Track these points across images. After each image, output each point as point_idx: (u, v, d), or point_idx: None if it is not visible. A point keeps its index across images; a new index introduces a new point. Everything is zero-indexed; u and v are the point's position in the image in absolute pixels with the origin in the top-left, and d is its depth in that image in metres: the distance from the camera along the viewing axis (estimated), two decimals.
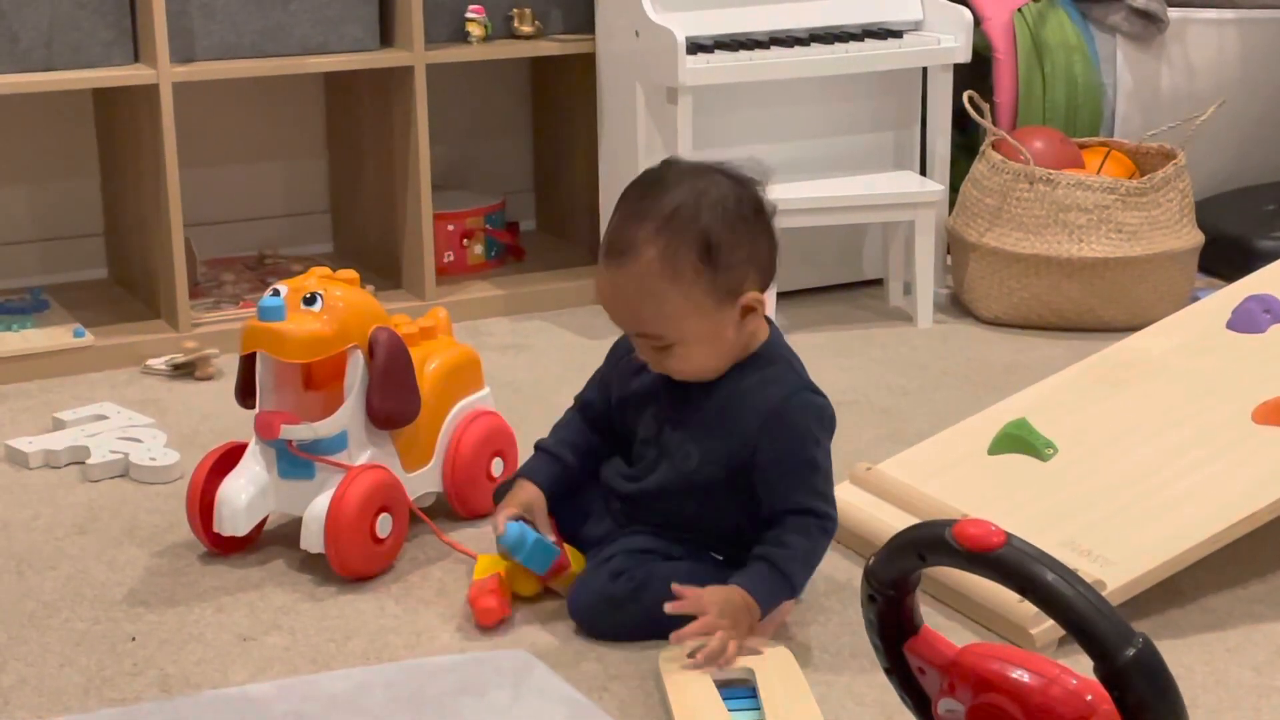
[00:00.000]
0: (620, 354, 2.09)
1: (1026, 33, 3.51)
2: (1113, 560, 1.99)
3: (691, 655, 1.85)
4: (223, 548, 2.20)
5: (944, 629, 1.83)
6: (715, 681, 1.82)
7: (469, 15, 3.24)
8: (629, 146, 3.16)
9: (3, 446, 2.58)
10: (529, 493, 2.06)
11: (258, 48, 3.09)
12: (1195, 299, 3.06)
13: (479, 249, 3.47)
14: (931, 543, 1.42)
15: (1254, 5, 3.74)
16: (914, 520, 1.95)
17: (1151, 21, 3.61)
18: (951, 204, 3.37)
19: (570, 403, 2.16)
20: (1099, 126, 3.60)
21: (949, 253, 3.37)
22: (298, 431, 2.12)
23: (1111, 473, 2.18)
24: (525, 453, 2.18)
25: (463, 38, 3.26)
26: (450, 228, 3.42)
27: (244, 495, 2.13)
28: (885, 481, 2.27)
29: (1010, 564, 1.37)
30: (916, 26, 3.33)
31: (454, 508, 2.31)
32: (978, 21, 3.42)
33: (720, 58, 3.10)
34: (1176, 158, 3.23)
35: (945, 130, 3.33)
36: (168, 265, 3.04)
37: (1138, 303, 3.13)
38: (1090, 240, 3.12)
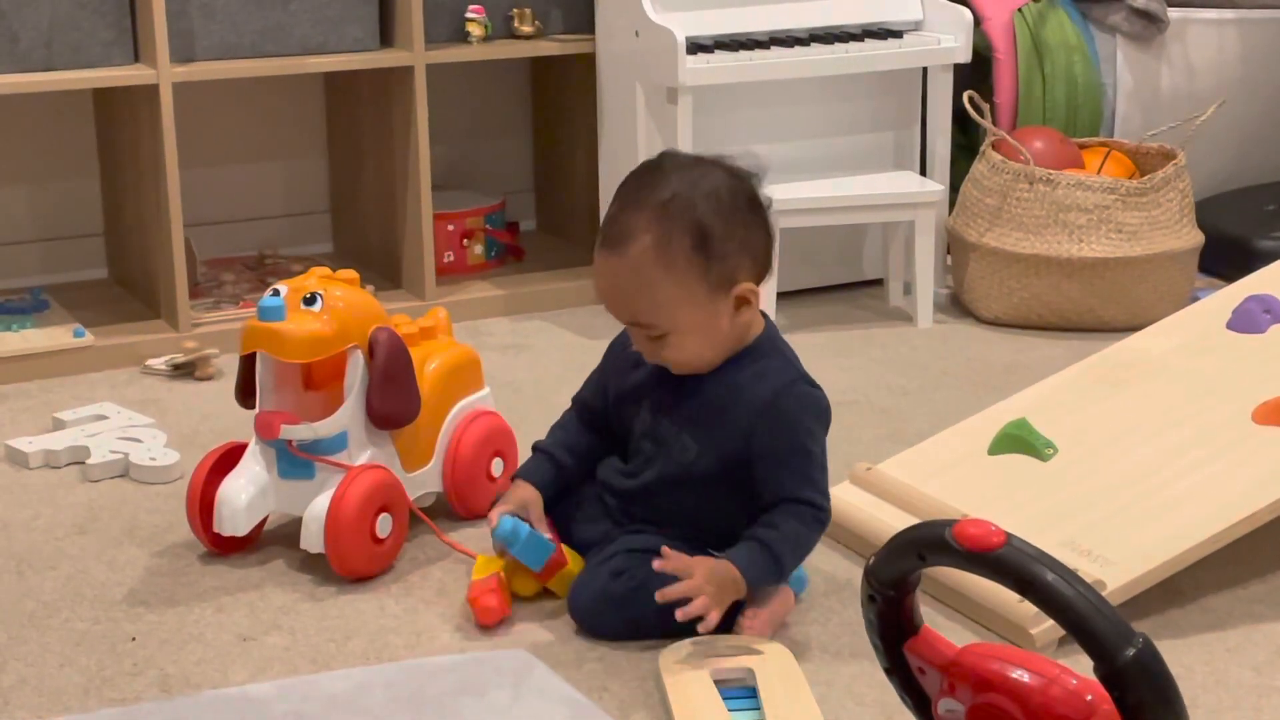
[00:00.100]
0: (617, 350, 2.10)
1: (1026, 33, 3.51)
2: (1113, 560, 1.99)
3: (679, 628, 1.87)
4: (223, 548, 2.20)
5: (944, 629, 1.83)
6: (715, 681, 1.82)
7: (469, 15, 3.24)
8: (629, 146, 3.16)
9: (3, 446, 2.58)
10: (525, 492, 2.07)
11: (258, 48, 3.09)
12: (1195, 299, 3.06)
13: (479, 249, 3.47)
14: (931, 543, 1.42)
15: (1254, 5, 3.74)
16: (914, 520, 1.95)
17: (1151, 21, 3.61)
18: (951, 204, 3.37)
19: (569, 403, 2.17)
20: (1099, 126, 3.60)
21: (949, 253, 3.37)
22: (298, 431, 2.12)
23: (1111, 473, 2.18)
24: (525, 453, 2.18)
25: (463, 38, 3.26)
26: (450, 228, 3.42)
27: (244, 495, 2.13)
28: (885, 481, 2.27)
29: (1010, 564, 1.37)
30: (916, 26, 3.33)
31: (454, 508, 2.31)
32: (978, 21, 3.42)
33: (720, 58, 3.10)
34: (1176, 158, 3.23)
35: (945, 130, 3.33)
36: (168, 265, 3.04)
37: (1138, 303, 3.13)
38: (1090, 240, 3.12)
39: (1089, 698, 1.38)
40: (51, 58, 2.97)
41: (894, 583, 1.48)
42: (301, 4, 3.11)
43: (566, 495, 2.10)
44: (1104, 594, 1.69)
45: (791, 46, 3.18)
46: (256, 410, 2.15)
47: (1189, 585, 2.07)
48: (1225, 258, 3.35)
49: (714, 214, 1.91)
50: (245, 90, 3.38)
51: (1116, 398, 2.36)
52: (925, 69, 3.33)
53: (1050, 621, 1.74)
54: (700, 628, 1.88)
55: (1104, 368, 2.45)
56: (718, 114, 3.18)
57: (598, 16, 3.29)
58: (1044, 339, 3.14)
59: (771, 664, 1.85)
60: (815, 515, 1.96)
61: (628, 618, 1.95)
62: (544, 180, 3.74)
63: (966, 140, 3.51)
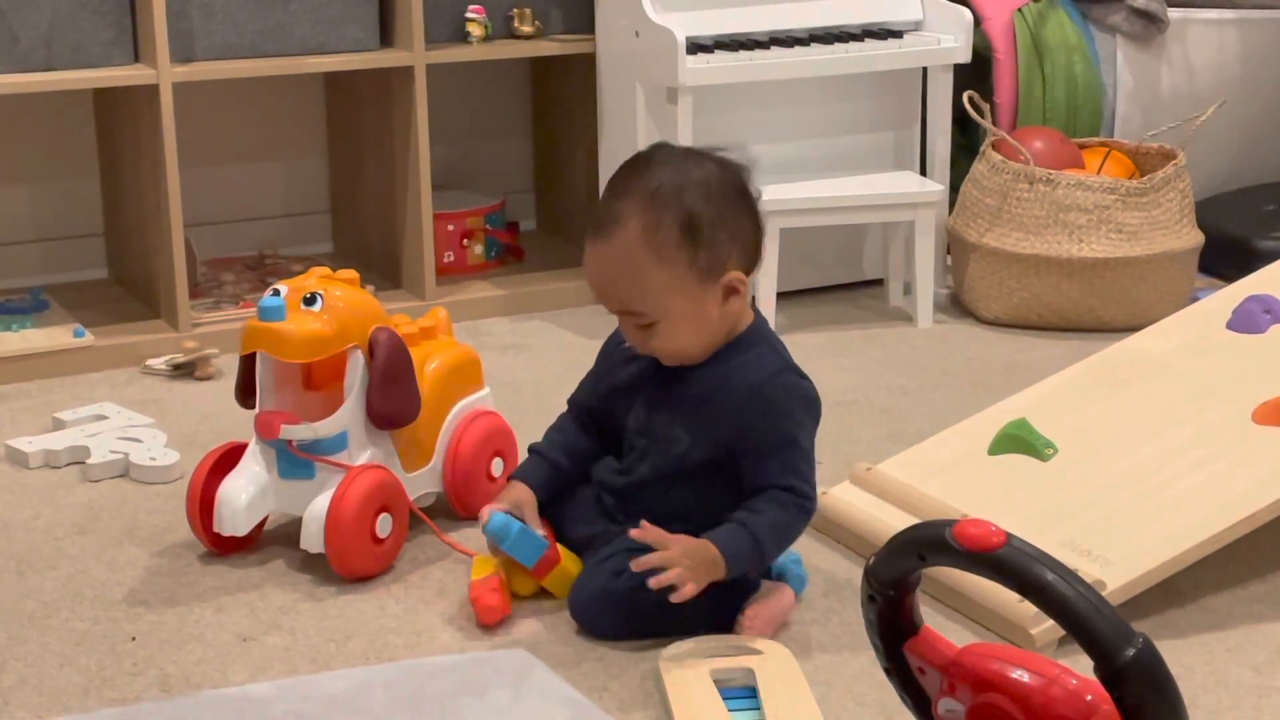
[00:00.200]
0: (610, 349, 2.10)
1: (1026, 33, 3.51)
2: (1113, 560, 1.99)
3: (658, 592, 1.89)
4: (223, 548, 2.20)
5: (944, 629, 1.83)
6: (715, 681, 1.82)
7: (469, 15, 3.24)
8: (629, 146, 3.15)
9: (3, 446, 2.58)
10: (519, 491, 2.07)
11: (258, 48, 3.09)
12: (1195, 299, 3.06)
13: (479, 249, 3.47)
14: (931, 543, 1.42)
15: (1254, 5, 3.74)
16: (914, 520, 1.95)
17: (1152, 21, 3.61)
18: (951, 204, 3.37)
19: (566, 405, 2.17)
20: (1099, 126, 3.60)
21: (949, 253, 3.37)
22: (298, 431, 2.12)
23: (1111, 473, 2.18)
24: (525, 453, 2.17)
25: (463, 38, 3.26)
26: (450, 228, 3.42)
27: (244, 495, 2.13)
28: (885, 481, 2.27)
29: (1010, 564, 1.37)
30: (916, 26, 3.33)
31: (454, 508, 2.31)
32: (978, 21, 3.42)
33: (720, 58, 3.10)
34: (1176, 158, 3.23)
35: (945, 130, 3.33)
36: (168, 265, 3.04)
37: (1138, 303, 3.13)
38: (1090, 240, 3.12)
39: (1089, 698, 1.38)
40: (51, 58, 2.97)
41: (894, 583, 1.48)
42: (301, 4, 3.11)
43: (563, 496, 2.10)
44: (1104, 594, 1.69)
45: (791, 46, 3.18)
46: (256, 410, 2.15)
47: (1189, 585, 2.07)
48: (1225, 258, 3.35)
49: (703, 202, 1.92)
50: (245, 90, 3.38)
51: (1116, 398, 2.36)
52: (925, 69, 3.33)
53: (1050, 621, 1.74)
54: (673, 597, 1.89)
55: (1104, 368, 2.45)
56: (718, 114, 3.18)
57: (598, 16, 3.29)
58: (1044, 339, 3.14)
59: (771, 664, 1.85)
60: (799, 503, 1.96)
61: (628, 617, 1.95)
62: (544, 180, 3.74)
63: (966, 140, 3.51)
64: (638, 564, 1.90)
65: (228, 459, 2.19)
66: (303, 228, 3.59)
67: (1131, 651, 1.31)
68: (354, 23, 3.16)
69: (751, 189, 1.98)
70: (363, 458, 2.15)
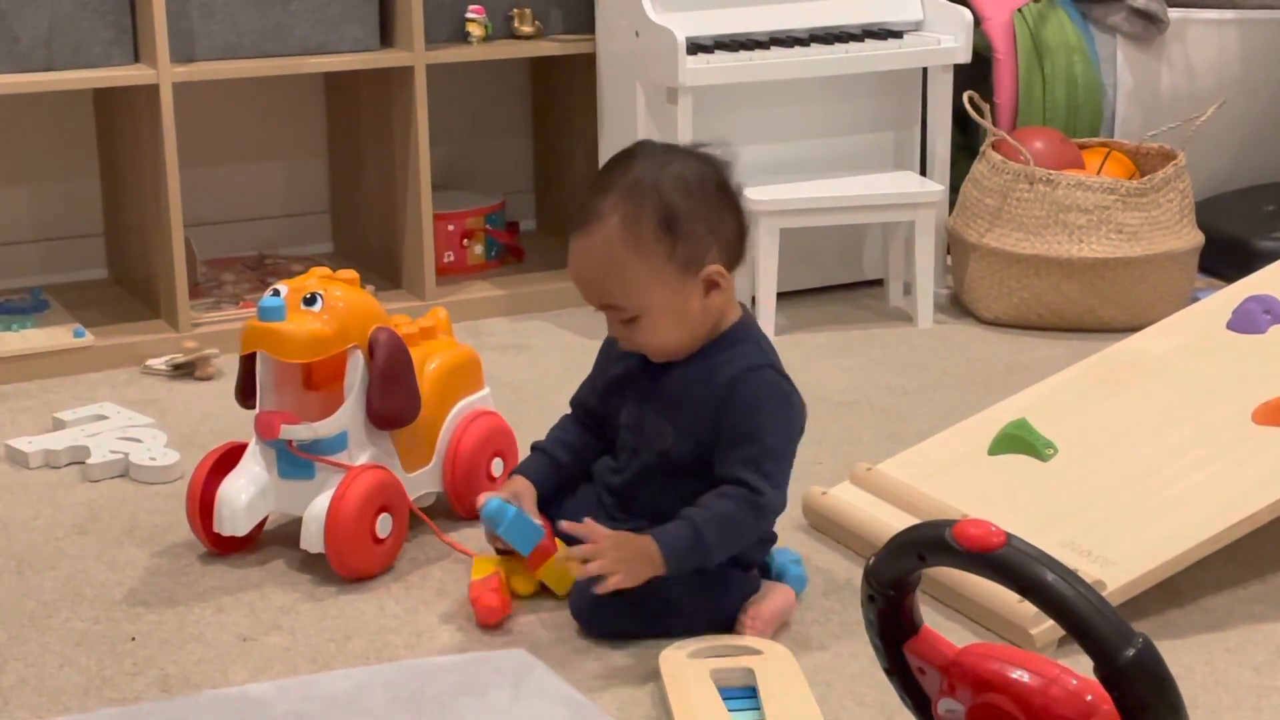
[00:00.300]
0: (607, 346, 2.11)
1: (1026, 33, 3.51)
2: (1113, 560, 1.99)
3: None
4: (223, 548, 2.20)
5: (944, 629, 1.83)
6: (715, 681, 1.82)
7: (469, 15, 3.24)
8: None
9: (3, 446, 2.58)
10: (518, 483, 2.08)
11: (258, 48, 3.09)
12: (1195, 299, 3.06)
13: (479, 249, 3.47)
14: (931, 543, 1.42)
15: (1254, 5, 3.74)
16: (914, 520, 1.95)
17: (1152, 22, 3.61)
18: (951, 204, 3.37)
19: (569, 405, 2.17)
20: (1099, 127, 3.60)
21: (949, 253, 3.37)
22: (298, 431, 2.12)
23: (1111, 473, 2.18)
24: (525, 453, 2.17)
25: (463, 38, 3.26)
26: (450, 228, 3.42)
27: (244, 495, 2.13)
28: (885, 481, 2.27)
29: (1010, 564, 1.37)
30: (916, 27, 3.33)
31: (454, 508, 2.31)
32: (978, 22, 3.42)
33: (720, 58, 3.10)
34: (1176, 158, 3.23)
35: (945, 130, 3.33)
36: (168, 265, 3.04)
37: (1138, 303, 3.13)
38: (1090, 241, 3.12)
39: (1089, 698, 1.38)
40: (51, 58, 2.97)
41: (894, 583, 1.48)
42: (301, 4, 3.11)
43: (563, 493, 2.10)
44: (1104, 594, 1.69)
45: (791, 46, 3.18)
46: (256, 410, 2.15)
47: (1188, 585, 2.07)
48: (1225, 258, 3.35)
49: (681, 195, 1.93)
50: (245, 90, 3.38)
51: (1116, 398, 2.36)
52: (925, 69, 3.33)
53: (1050, 621, 1.74)
54: (598, 589, 1.90)
55: (1104, 368, 2.45)
56: (718, 114, 3.18)
57: (598, 16, 3.29)
58: (1044, 339, 3.14)
59: (771, 664, 1.85)
60: (750, 499, 1.94)
61: (628, 617, 1.95)
62: (544, 180, 3.74)
63: (966, 140, 3.51)
64: (564, 555, 1.94)
65: (228, 459, 2.19)
66: (303, 228, 3.59)
67: (1131, 652, 1.31)
68: (354, 23, 3.16)
69: (733, 184, 1.99)
70: (363, 458, 2.15)
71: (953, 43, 3.27)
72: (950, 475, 2.26)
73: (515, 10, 3.31)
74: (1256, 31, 3.73)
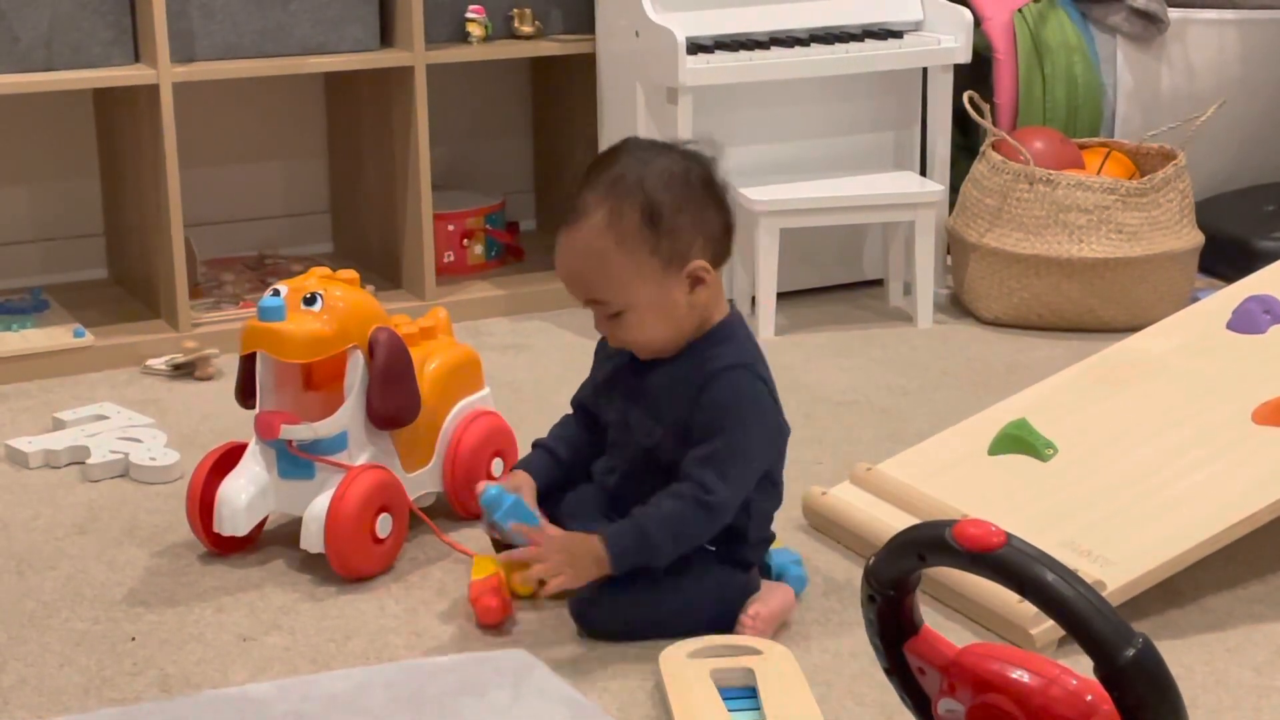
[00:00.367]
0: (601, 345, 2.11)
1: (1026, 33, 3.51)
2: (1113, 560, 1.99)
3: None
4: (223, 548, 2.20)
5: (944, 629, 1.83)
6: (715, 681, 1.82)
7: (469, 15, 3.24)
8: None
9: (3, 446, 2.58)
10: (518, 477, 2.09)
11: (258, 48, 3.09)
12: (1195, 299, 3.06)
13: (479, 249, 3.47)
14: (931, 543, 1.42)
15: (1254, 5, 3.74)
16: (914, 520, 1.95)
17: (1152, 22, 3.61)
18: (952, 204, 3.37)
19: (570, 405, 2.17)
20: (1099, 127, 3.60)
21: (949, 253, 3.37)
22: (298, 431, 2.12)
23: (1111, 473, 2.18)
24: (525, 453, 2.18)
25: (463, 38, 3.26)
26: (450, 228, 3.42)
27: (244, 495, 2.13)
28: (885, 481, 2.27)
29: (1010, 564, 1.37)
30: (916, 27, 3.33)
31: (454, 508, 2.31)
32: (978, 22, 3.42)
33: (720, 58, 3.10)
34: (1176, 158, 3.23)
35: (945, 130, 3.33)
36: (168, 265, 3.04)
37: (1138, 303, 3.13)
38: (1090, 241, 3.12)
39: (1089, 698, 1.38)
40: (51, 58, 2.97)
41: (894, 583, 1.48)
42: (301, 4, 3.11)
43: (564, 489, 2.11)
44: (1104, 594, 1.69)
45: (791, 46, 3.18)
46: (256, 410, 2.15)
47: (1188, 586, 2.07)
48: (1225, 258, 3.35)
49: (664, 190, 1.93)
50: (245, 90, 3.38)
51: (1116, 398, 2.36)
52: (925, 69, 3.33)
53: (1050, 621, 1.74)
54: (541, 592, 1.93)
55: (1104, 368, 2.45)
56: (718, 114, 3.18)
57: (598, 16, 3.29)
58: (1044, 339, 3.14)
59: (771, 664, 1.85)
60: (698, 498, 1.94)
61: (629, 618, 1.95)
62: (544, 180, 3.74)
63: (966, 140, 3.51)
64: (505, 556, 1.96)
65: (228, 459, 2.19)
66: (303, 228, 3.59)
67: (1131, 652, 1.31)
68: (354, 23, 3.16)
69: (719, 181, 1.99)
70: (363, 458, 2.15)
71: (953, 43, 3.27)
72: (950, 475, 2.26)
73: (515, 10, 3.31)
74: (1256, 31, 3.73)
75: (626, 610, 1.95)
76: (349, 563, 2.11)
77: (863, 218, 3.27)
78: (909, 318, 3.25)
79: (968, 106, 3.26)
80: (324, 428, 2.13)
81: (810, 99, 3.30)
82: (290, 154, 3.56)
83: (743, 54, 3.12)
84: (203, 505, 2.17)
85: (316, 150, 3.57)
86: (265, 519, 2.20)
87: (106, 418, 2.67)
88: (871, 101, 3.37)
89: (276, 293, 2.13)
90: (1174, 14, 3.63)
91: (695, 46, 3.09)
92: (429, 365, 2.27)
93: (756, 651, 1.88)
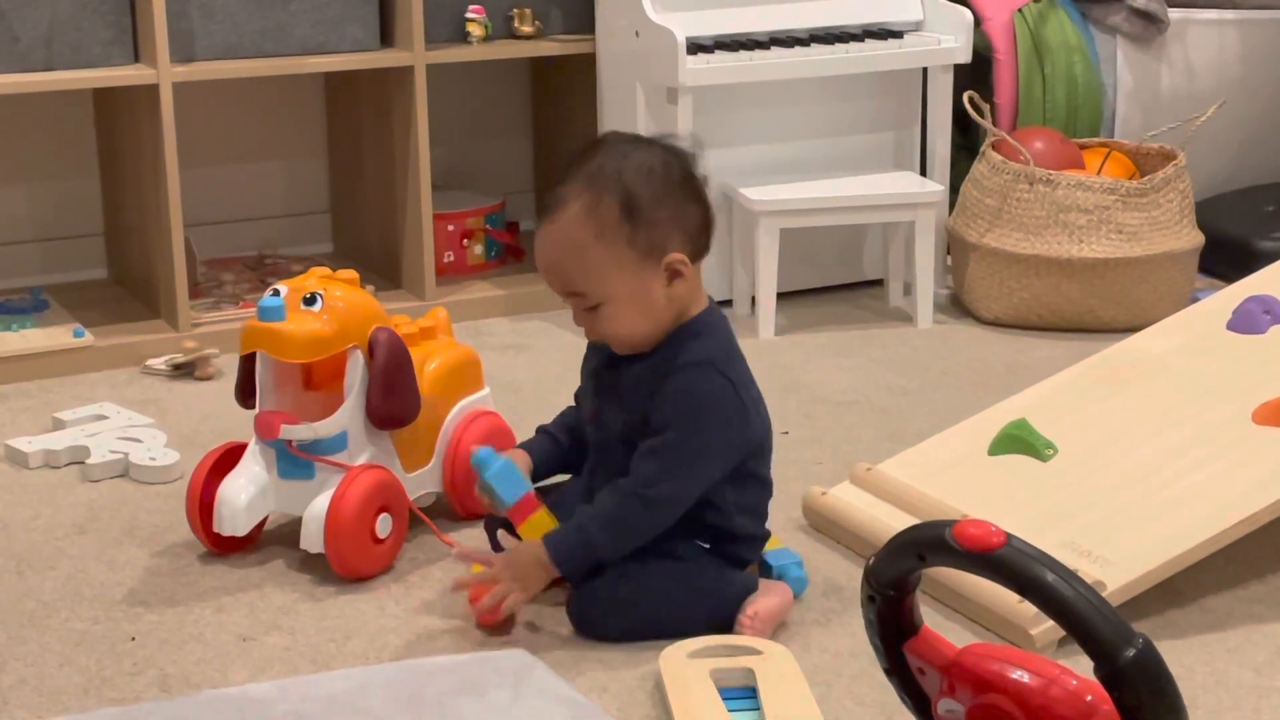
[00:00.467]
0: (590, 343, 2.11)
1: (1027, 33, 3.51)
2: (1113, 561, 1.99)
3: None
4: (222, 548, 2.20)
5: (944, 629, 1.83)
6: (715, 681, 1.82)
7: (469, 15, 3.24)
8: None
9: (3, 446, 2.58)
10: (516, 454, 2.10)
11: (258, 48, 3.09)
12: (1195, 300, 3.06)
13: (479, 249, 3.47)
14: (931, 543, 1.42)
15: (1254, 5, 3.74)
16: (914, 520, 1.95)
17: (1152, 22, 3.61)
18: (952, 204, 3.37)
19: (570, 401, 2.18)
20: (1099, 127, 3.60)
21: (949, 253, 3.37)
22: (298, 431, 2.12)
23: (1111, 473, 2.18)
24: None
25: (463, 38, 3.26)
26: (450, 228, 3.42)
27: (244, 495, 2.13)
28: (885, 481, 2.27)
29: (1010, 564, 1.37)
30: (917, 27, 3.33)
31: (454, 508, 2.31)
32: (978, 22, 3.42)
33: (720, 58, 3.10)
34: (1177, 158, 3.23)
35: (945, 130, 3.33)
36: (168, 265, 3.04)
37: (1138, 303, 3.13)
38: (1090, 241, 3.12)
39: (1089, 698, 1.38)
40: (51, 58, 2.96)
41: (894, 583, 1.48)
42: (301, 4, 3.11)
43: (563, 471, 2.12)
44: (1104, 594, 1.69)
45: (791, 46, 3.18)
46: (256, 410, 2.15)
47: (1188, 586, 2.07)
48: (1225, 258, 3.35)
49: (642, 183, 1.93)
50: (245, 90, 3.38)
51: (1116, 398, 2.36)
52: (925, 69, 3.33)
53: (1050, 622, 1.74)
54: (502, 610, 1.94)
55: (1104, 368, 2.45)
56: (718, 114, 3.18)
57: (598, 16, 3.29)
58: (1044, 339, 3.14)
59: (771, 664, 1.85)
60: (636, 493, 1.94)
61: (628, 620, 1.95)
62: (544, 180, 3.74)
63: (966, 140, 3.51)
64: (457, 584, 1.99)
65: (228, 459, 2.19)
66: (303, 228, 3.59)
67: (1131, 652, 1.31)
68: (354, 23, 3.16)
69: (699, 176, 1.99)
70: (363, 458, 2.15)
71: (953, 43, 3.27)
72: (950, 475, 2.26)
73: (515, 10, 3.31)
74: (1256, 31, 3.73)
75: (625, 611, 1.95)
76: (349, 563, 2.11)
77: (863, 218, 3.27)
78: (909, 318, 3.25)
79: (968, 106, 3.26)
80: (324, 428, 2.13)
81: (810, 99, 3.30)
82: (290, 154, 3.56)
83: (743, 54, 3.12)
84: (203, 505, 2.17)
85: (316, 150, 3.57)
86: (265, 519, 2.20)
87: (106, 418, 2.67)
88: (871, 101, 3.37)
89: (276, 293, 2.13)
90: (1174, 14, 3.63)
91: (695, 46, 3.09)
92: (429, 365, 2.27)
93: (756, 651, 1.88)
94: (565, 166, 1.99)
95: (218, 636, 2.00)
